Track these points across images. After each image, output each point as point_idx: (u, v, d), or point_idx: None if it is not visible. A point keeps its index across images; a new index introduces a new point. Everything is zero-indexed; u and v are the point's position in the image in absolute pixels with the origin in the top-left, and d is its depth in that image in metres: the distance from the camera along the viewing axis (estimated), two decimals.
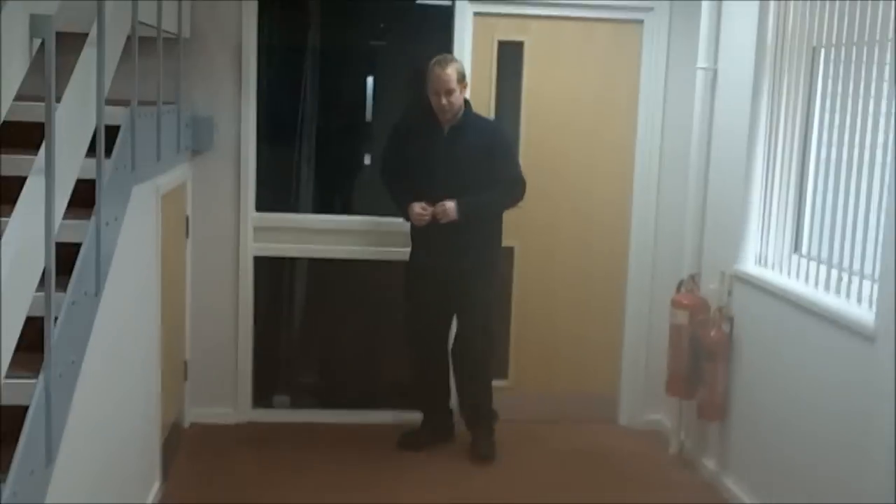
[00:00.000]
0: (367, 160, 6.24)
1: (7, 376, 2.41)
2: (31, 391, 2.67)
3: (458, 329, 5.62)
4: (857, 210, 4.07)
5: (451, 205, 5.25)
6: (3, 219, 2.59)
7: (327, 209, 6.16)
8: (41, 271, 2.69)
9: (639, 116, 5.92)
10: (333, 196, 6.33)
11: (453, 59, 5.36)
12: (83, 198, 3.23)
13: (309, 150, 6.09)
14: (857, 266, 4.04)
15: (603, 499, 5.05)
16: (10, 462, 2.48)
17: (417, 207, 5.30)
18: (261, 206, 5.80)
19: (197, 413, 5.79)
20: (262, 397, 5.97)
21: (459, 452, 5.56)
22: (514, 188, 5.41)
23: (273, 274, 6.09)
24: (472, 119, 5.42)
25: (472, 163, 5.33)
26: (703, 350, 5.09)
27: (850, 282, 4.10)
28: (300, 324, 6.28)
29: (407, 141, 5.46)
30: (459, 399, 5.73)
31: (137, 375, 4.32)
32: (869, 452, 3.66)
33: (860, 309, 3.96)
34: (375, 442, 5.62)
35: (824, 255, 4.33)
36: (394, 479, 5.18)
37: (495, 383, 5.79)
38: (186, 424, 5.72)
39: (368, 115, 6.28)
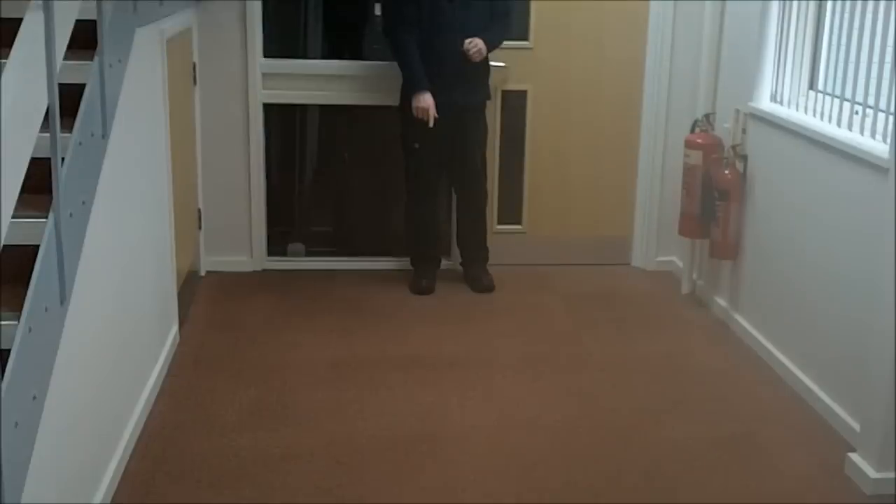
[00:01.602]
0: (377, 10, 6.12)
1: (15, 216, 2.40)
2: (41, 230, 2.67)
3: (459, 167, 5.64)
4: (873, 44, 3.98)
5: (481, 42, 5.31)
6: (3, 60, 2.54)
7: (336, 55, 6.08)
8: (44, 110, 2.66)
9: None
10: (343, 42, 6.24)
11: None
12: (85, 40, 3.19)
13: None
14: (872, 100, 3.98)
15: (617, 338, 5.10)
16: (23, 300, 2.49)
17: (432, 108, 5.29)
18: (269, 52, 5.72)
19: (213, 261, 5.82)
20: (276, 245, 6.00)
21: (472, 295, 5.63)
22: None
23: (283, 121, 6.06)
24: None
25: (483, 2, 5.39)
26: (717, 189, 5.07)
27: (864, 116, 4.05)
28: (312, 171, 6.27)
29: None
30: (460, 235, 5.82)
31: (150, 220, 4.32)
32: (878, 285, 3.67)
33: (875, 142, 3.92)
34: (389, 287, 5.67)
35: (840, 90, 4.26)
36: (406, 319, 5.25)
37: (509, 228, 5.89)
38: (203, 272, 5.77)
39: None
